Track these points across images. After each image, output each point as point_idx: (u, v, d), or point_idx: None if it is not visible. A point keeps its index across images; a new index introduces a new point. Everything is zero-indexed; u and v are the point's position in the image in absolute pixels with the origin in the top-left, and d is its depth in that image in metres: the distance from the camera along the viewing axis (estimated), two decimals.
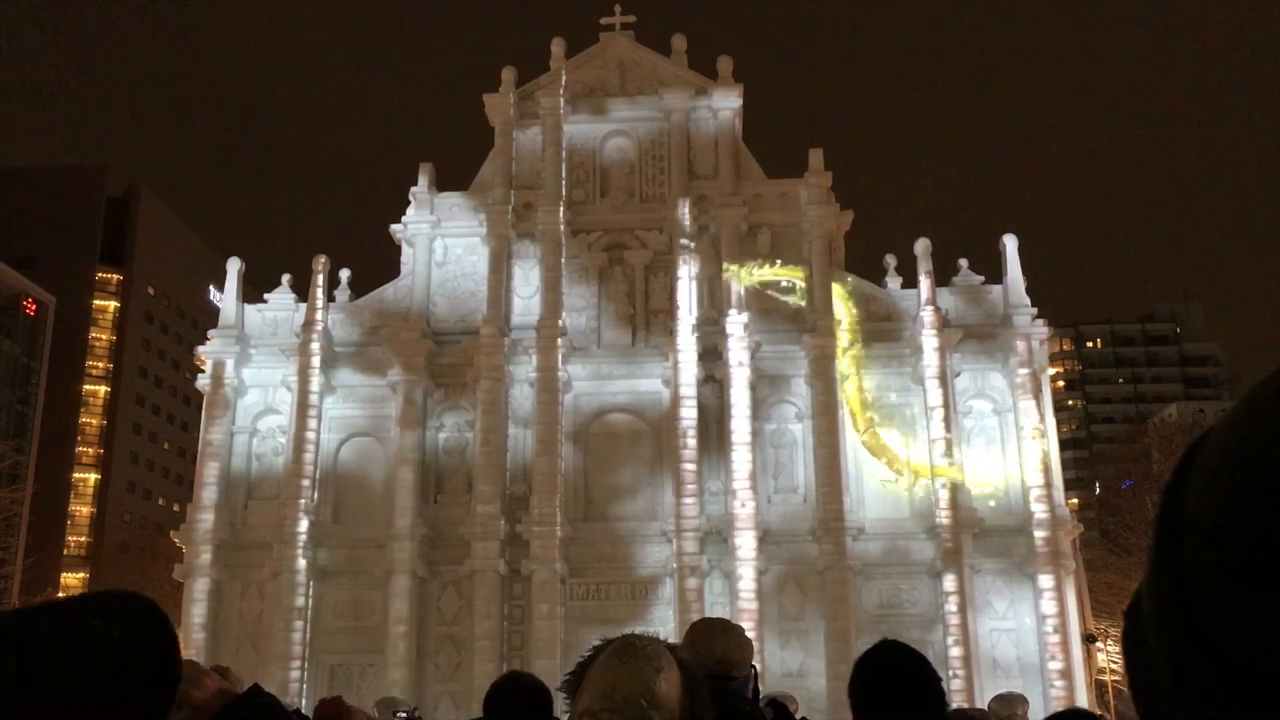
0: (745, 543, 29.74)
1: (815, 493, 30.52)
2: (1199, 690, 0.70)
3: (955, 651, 28.20)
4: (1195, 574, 0.71)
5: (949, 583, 29.39)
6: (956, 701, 23.32)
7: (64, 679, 1.34)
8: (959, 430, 31.07)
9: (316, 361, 31.65)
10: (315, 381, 31.54)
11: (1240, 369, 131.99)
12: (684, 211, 32.33)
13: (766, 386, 31.72)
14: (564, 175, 33.48)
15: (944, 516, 29.63)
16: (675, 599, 29.75)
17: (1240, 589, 0.66)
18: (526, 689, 5.12)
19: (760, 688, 5.23)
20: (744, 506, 29.96)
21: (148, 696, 1.45)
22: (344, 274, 34.06)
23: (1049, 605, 29.46)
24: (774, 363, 31.73)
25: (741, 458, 30.37)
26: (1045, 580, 29.58)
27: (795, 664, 29.69)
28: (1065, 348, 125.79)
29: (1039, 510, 29.86)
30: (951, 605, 29.19)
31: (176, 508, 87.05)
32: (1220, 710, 0.68)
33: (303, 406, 31.41)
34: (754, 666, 4.64)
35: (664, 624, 29.10)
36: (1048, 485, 30.20)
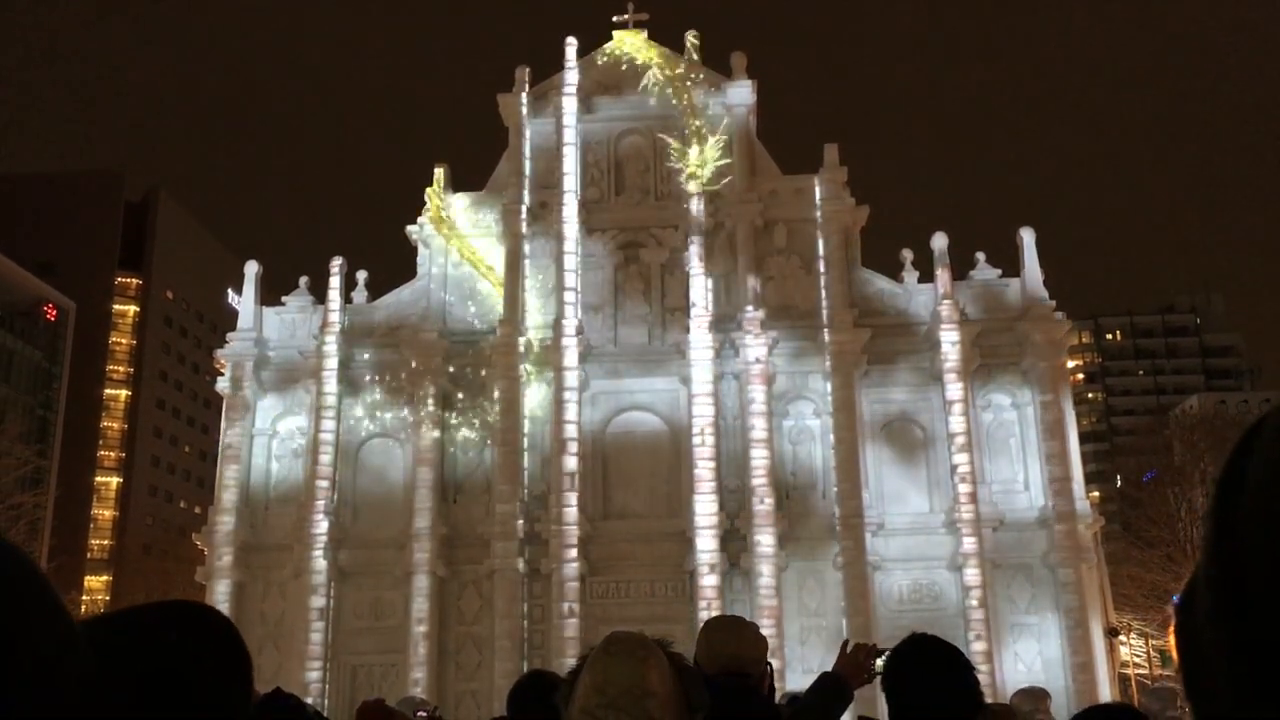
0: (764, 540, 29.71)
1: (834, 489, 30.46)
2: (1261, 686, 0.68)
3: (977, 646, 28.08)
4: (1257, 565, 0.68)
5: (970, 578, 29.29)
6: None
7: (142, 684, 1.36)
8: (978, 424, 30.96)
9: (334, 363, 31.78)
10: (333, 383, 31.67)
11: (1262, 359, 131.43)
12: (698, 208, 32.30)
13: (784, 383, 31.68)
14: (578, 174, 33.47)
15: (964, 511, 29.54)
16: (695, 597, 29.74)
17: None
18: (549, 688, 5.13)
19: (776, 685, 5.22)
20: (762, 504, 29.93)
21: (222, 706, 1.47)
22: (361, 276, 34.14)
23: (1070, 599, 29.32)
24: (791, 359, 31.67)
25: (759, 455, 30.33)
26: (1066, 574, 29.44)
27: (816, 661, 29.62)
28: (1084, 340, 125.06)
29: (1059, 504, 29.71)
30: (972, 600, 29.10)
31: (198, 510, 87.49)
32: (1268, 710, 0.66)
33: (321, 408, 31.54)
34: (769, 664, 4.63)
35: (684, 622, 29.11)
36: (1068, 479, 30.06)
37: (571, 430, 30.88)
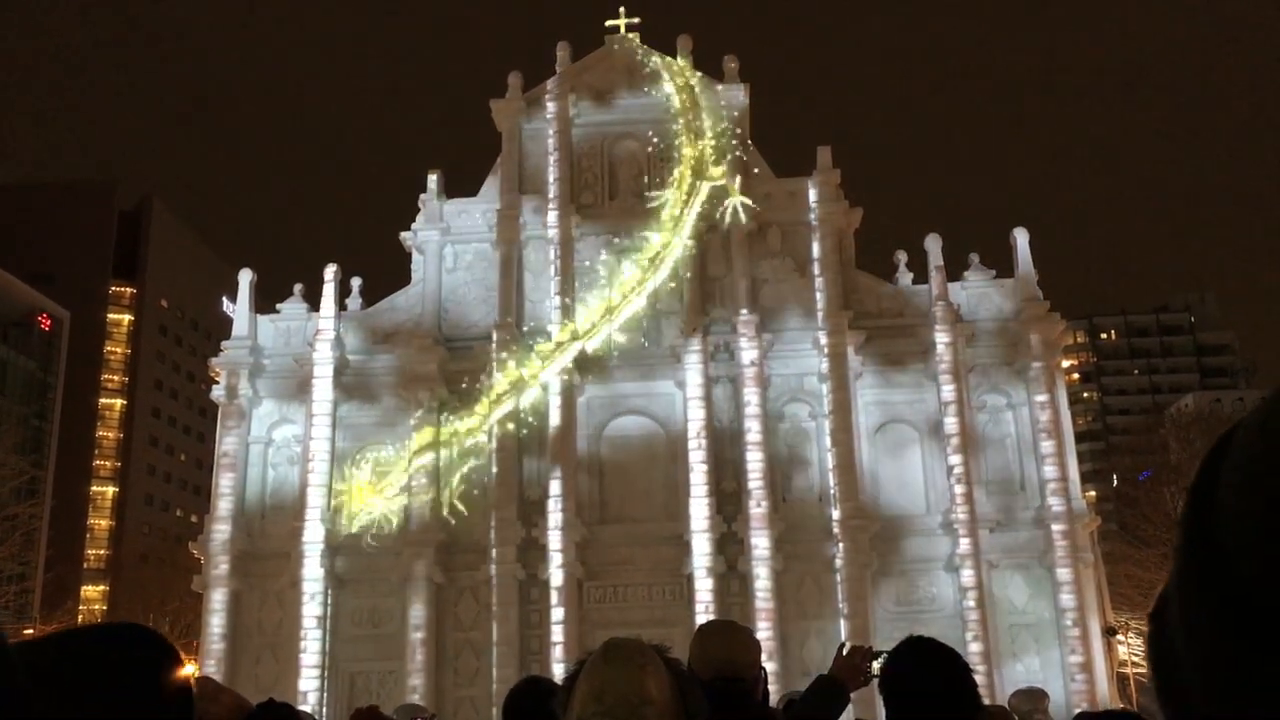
0: (761, 543, 29.69)
1: (830, 491, 30.45)
2: (1241, 690, 0.67)
3: (974, 647, 28.10)
4: (1236, 571, 0.68)
5: (967, 578, 29.29)
6: None
7: (78, 706, 1.34)
8: (973, 425, 30.97)
9: (329, 370, 31.71)
10: (328, 390, 31.60)
11: (1256, 357, 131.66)
12: (692, 212, 32.30)
13: (779, 385, 31.67)
14: (572, 179, 33.46)
15: (960, 512, 29.54)
16: (692, 600, 29.71)
17: None
18: (545, 693, 5.12)
19: (771, 689, 5.20)
20: (759, 506, 29.92)
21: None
22: (355, 283, 34.09)
23: (1068, 599, 29.33)
24: (786, 361, 31.67)
25: (754, 457, 30.32)
26: (1064, 574, 29.45)
27: (814, 663, 29.61)
28: (1079, 340, 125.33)
29: (1056, 504, 29.74)
30: (970, 601, 29.10)
31: (194, 519, 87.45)
32: (1265, 709, 0.66)
33: (317, 415, 31.47)
34: (763, 668, 4.62)
35: (682, 625, 29.07)
36: (1064, 479, 30.08)
37: (568, 435, 30.85)
